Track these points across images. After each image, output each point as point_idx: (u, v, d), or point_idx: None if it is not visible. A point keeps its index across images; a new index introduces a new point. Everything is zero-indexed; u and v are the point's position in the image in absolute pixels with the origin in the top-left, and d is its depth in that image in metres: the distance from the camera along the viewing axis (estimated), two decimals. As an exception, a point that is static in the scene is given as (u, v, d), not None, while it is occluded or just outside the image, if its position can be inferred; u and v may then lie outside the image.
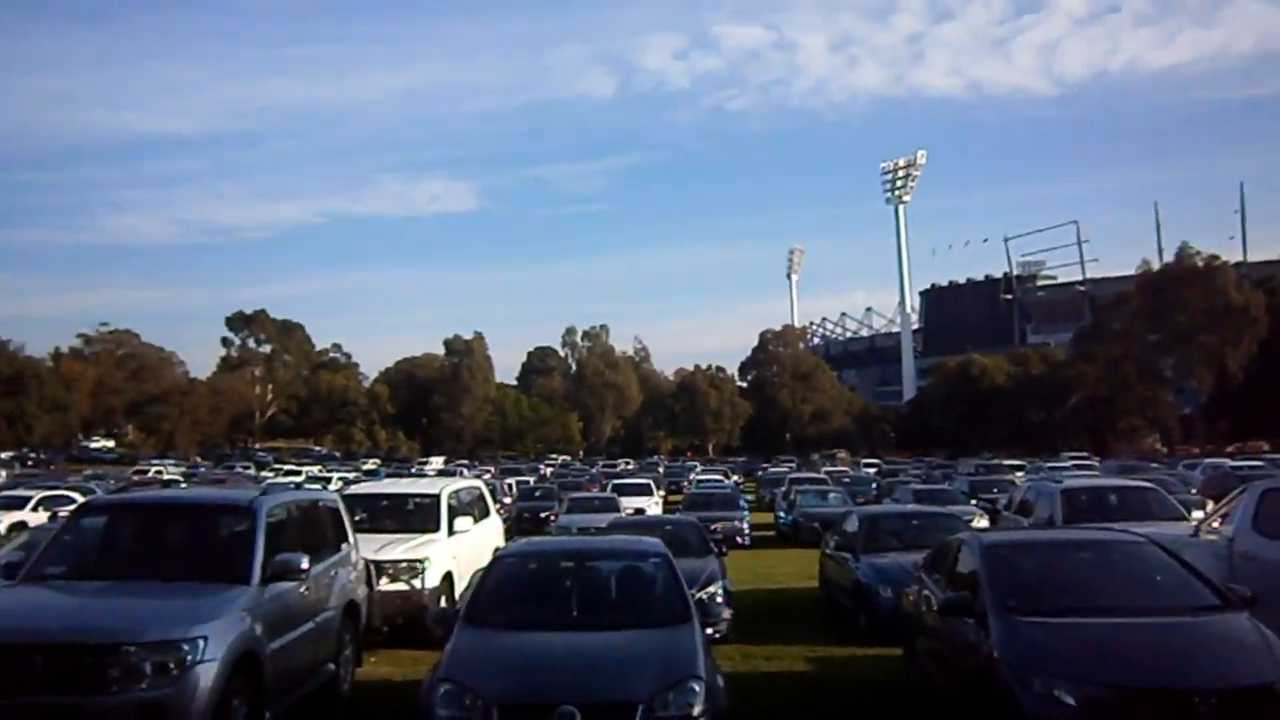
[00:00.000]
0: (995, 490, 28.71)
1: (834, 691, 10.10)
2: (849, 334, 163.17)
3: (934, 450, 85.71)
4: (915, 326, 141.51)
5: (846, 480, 42.00)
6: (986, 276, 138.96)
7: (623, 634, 7.29)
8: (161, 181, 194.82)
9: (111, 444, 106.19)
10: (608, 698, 6.25)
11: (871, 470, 56.94)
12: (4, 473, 53.35)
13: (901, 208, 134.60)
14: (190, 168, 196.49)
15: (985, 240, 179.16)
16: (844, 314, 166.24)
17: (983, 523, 20.54)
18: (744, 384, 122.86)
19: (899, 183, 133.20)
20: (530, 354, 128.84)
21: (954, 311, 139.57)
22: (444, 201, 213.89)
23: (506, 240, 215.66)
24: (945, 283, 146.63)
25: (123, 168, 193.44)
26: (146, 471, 57.47)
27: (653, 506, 30.43)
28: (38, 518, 25.28)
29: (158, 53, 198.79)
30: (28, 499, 28.42)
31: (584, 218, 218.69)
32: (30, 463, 78.91)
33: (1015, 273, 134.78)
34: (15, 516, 25.05)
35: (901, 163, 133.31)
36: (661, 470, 62.43)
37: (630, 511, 25.02)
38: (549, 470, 66.23)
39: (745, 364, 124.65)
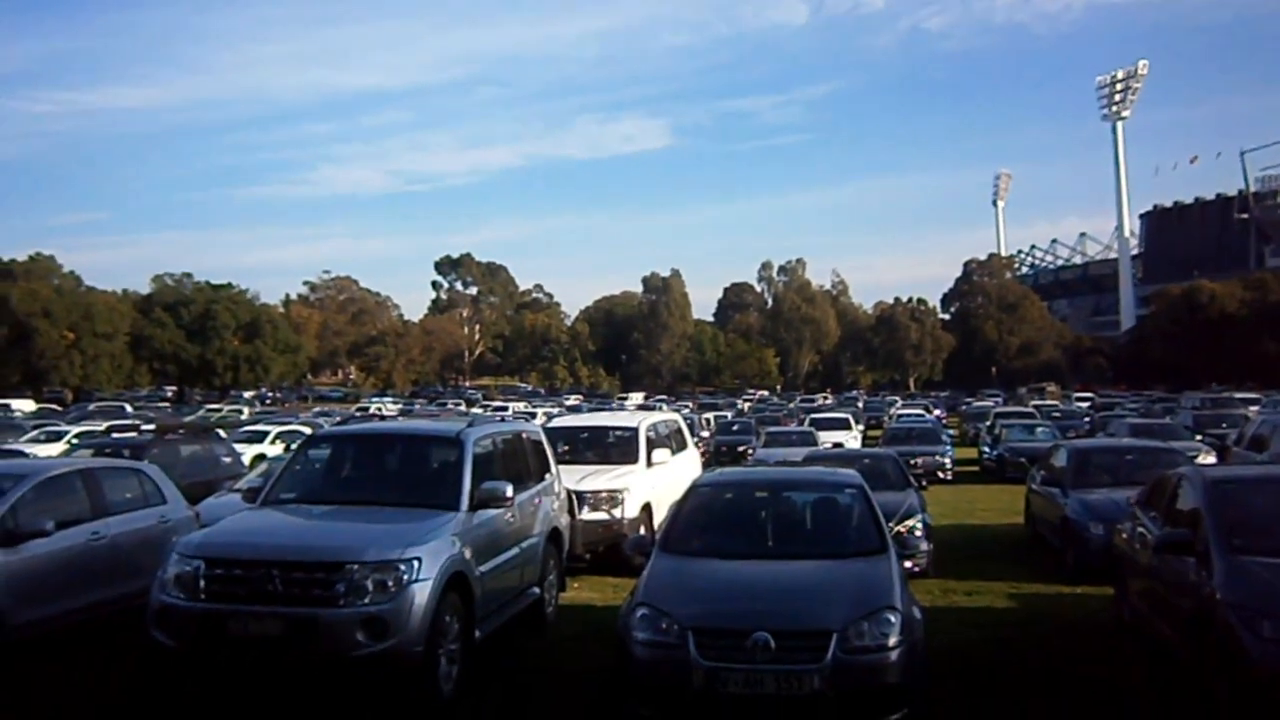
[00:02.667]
0: (1224, 425, 26.80)
1: (1038, 629, 9.75)
2: (1060, 262, 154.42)
3: (1154, 384, 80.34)
4: (1134, 252, 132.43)
5: (1056, 415, 40.14)
6: (1218, 195, 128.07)
7: (817, 563, 7.28)
8: (374, 134, 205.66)
9: (339, 383, 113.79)
10: (802, 625, 6.27)
11: (1084, 405, 54.13)
12: (246, 409, 58.13)
13: (1120, 124, 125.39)
14: (399, 119, 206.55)
15: (1218, 155, 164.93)
16: (1055, 241, 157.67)
17: (1209, 459, 19.23)
18: (946, 316, 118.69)
19: (1117, 97, 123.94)
20: (727, 290, 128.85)
21: (1178, 234, 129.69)
22: (638, 141, 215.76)
23: (701, 177, 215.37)
24: (1169, 204, 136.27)
25: (340, 123, 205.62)
26: (367, 409, 61.26)
27: (851, 441, 30.07)
28: (274, 450, 27.54)
29: (372, 13, 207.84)
30: (266, 433, 31.08)
31: (779, 150, 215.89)
32: (267, 400, 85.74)
33: (1252, 189, 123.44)
34: (256, 449, 27.35)
35: (1120, 75, 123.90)
36: (860, 405, 61.43)
37: (828, 445, 24.84)
38: (746, 405, 66.32)
39: (948, 295, 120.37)
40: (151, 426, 18.78)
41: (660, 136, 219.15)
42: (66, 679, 8.27)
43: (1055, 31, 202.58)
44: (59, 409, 58.25)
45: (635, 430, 14.55)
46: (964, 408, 57.25)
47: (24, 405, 57.25)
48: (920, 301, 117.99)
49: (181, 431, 18.67)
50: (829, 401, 68.35)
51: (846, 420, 35.23)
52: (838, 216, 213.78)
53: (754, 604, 6.54)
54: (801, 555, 7.49)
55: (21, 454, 19.82)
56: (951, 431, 38.06)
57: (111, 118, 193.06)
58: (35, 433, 30.87)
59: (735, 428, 36.13)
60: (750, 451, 28.54)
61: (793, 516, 8.35)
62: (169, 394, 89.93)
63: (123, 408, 54.38)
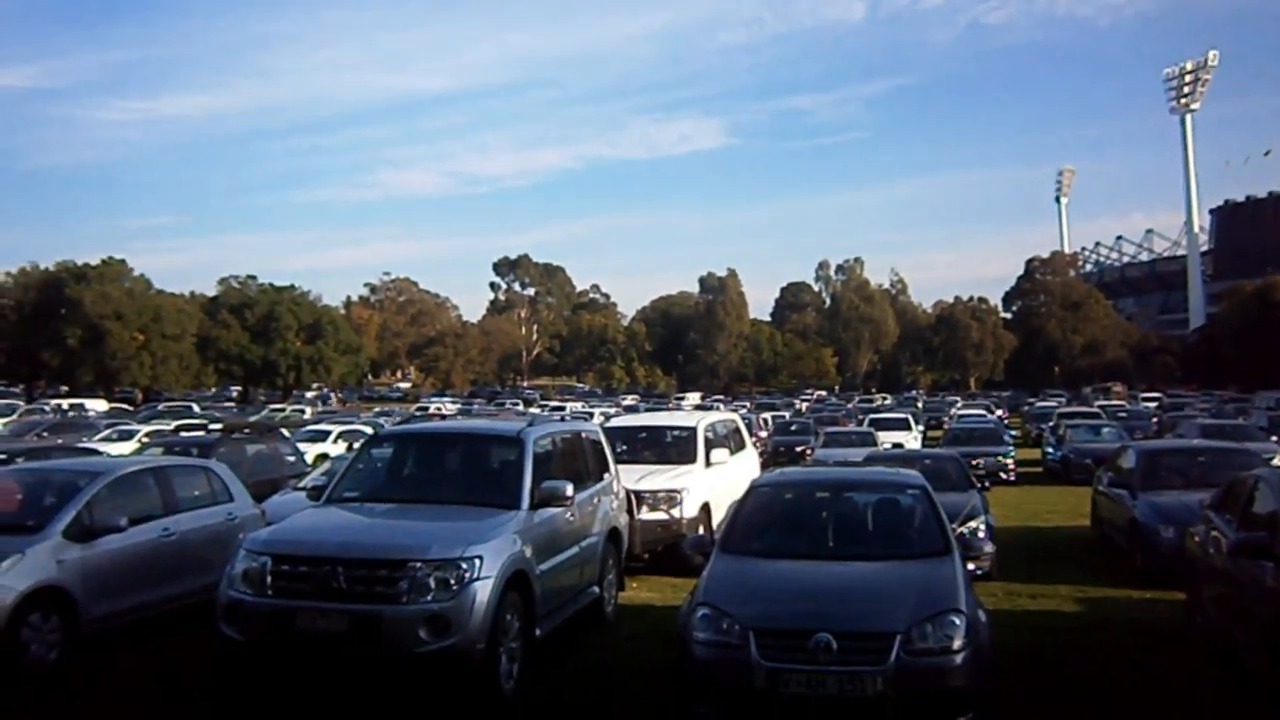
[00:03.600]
0: (1300, 426, 26.00)
1: (1106, 634, 9.55)
2: (1126, 259, 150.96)
3: (1226, 384, 78.27)
4: (1204, 248, 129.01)
5: (1122, 415, 39.30)
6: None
7: (880, 565, 7.20)
8: (432, 137, 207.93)
9: (401, 384, 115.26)
10: (864, 627, 6.20)
11: (1151, 405, 52.92)
12: (308, 410, 59.12)
13: (1189, 117, 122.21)
14: (457, 122, 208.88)
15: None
16: (1120, 238, 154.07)
17: (1285, 460, 18.67)
18: (1008, 315, 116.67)
19: (1185, 89, 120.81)
20: (784, 289, 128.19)
21: (1251, 229, 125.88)
22: (694, 140, 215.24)
23: (758, 176, 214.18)
24: (1241, 198, 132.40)
25: (399, 127, 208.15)
26: (427, 408, 61.93)
27: (911, 441, 29.74)
28: (337, 449, 27.96)
29: (431, 17, 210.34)
30: (329, 433, 31.59)
31: (837, 148, 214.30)
32: (328, 401, 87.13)
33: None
34: (319, 448, 27.81)
35: (1189, 66, 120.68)
36: (920, 405, 60.72)
37: (887, 446, 24.59)
38: (804, 405, 65.92)
39: (1009, 294, 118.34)
40: (218, 426, 19.15)
41: (716, 136, 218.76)
42: (139, 670, 8.47)
43: (1120, 23, 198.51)
44: (130, 409, 59.77)
45: (693, 430, 14.52)
46: (1026, 408, 56.33)
47: (97, 405, 58.78)
48: (981, 300, 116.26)
49: (247, 431, 19.03)
50: (887, 402, 67.63)
51: (906, 420, 34.82)
52: (896, 214, 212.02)
53: (816, 605, 6.47)
54: (863, 556, 7.40)
55: (95, 452, 20.32)
56: (1014, 432, 37.44)
57: (180, 125, 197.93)
58: (108, 431, 31.68)
59: (794, 428, 35.92)
60: (809, 452, 28.34)
61: (854, 517, 8.26)
62: (234, 394, 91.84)
63: (190, 407, 55.56)
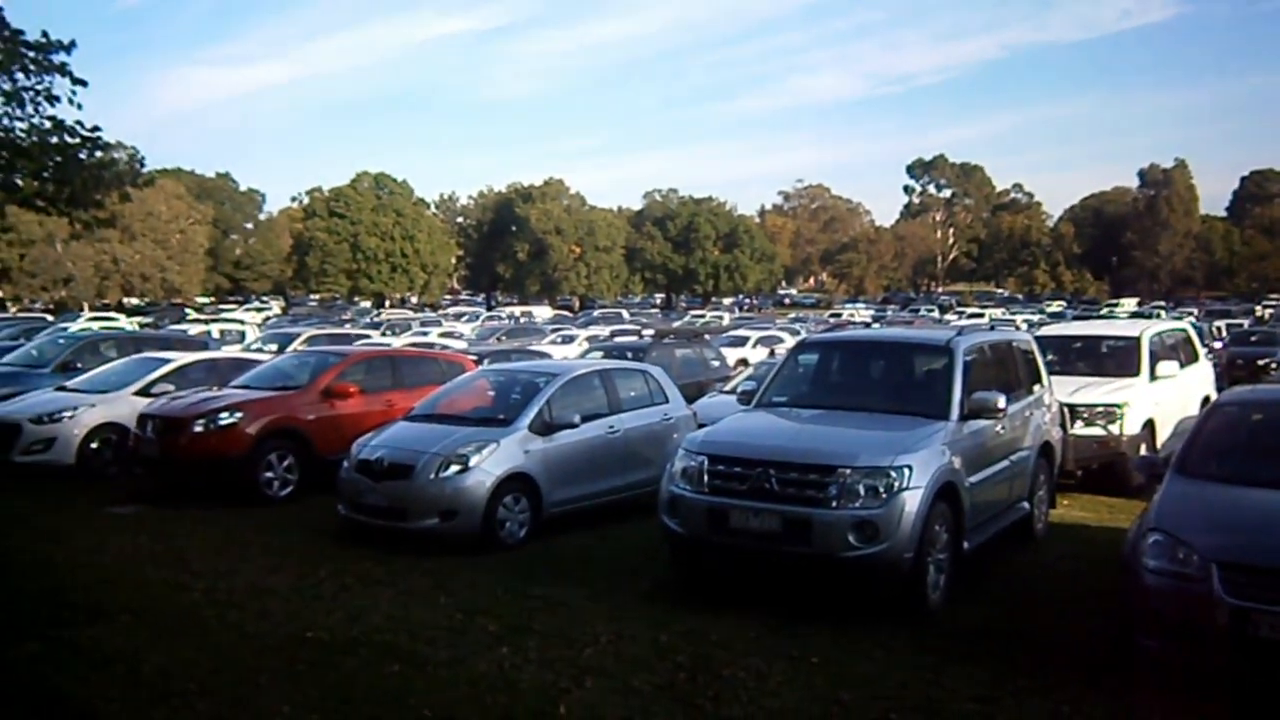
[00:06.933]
0: None
1: None
2: None
3: None
4: None
5: None
6: None
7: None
8: (845, 38, 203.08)
9: (811, 290, 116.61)
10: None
11: None
12: (726, 316, 61.64)
13: None
14: (870, 19, 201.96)
15: None
16: None
17: None
18: None
19: None
20: (1245, 179, 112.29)
21: None
22: (1137, 15, 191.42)
23: (1213, 49, 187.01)
24: None
25: (810, 31, 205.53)
26: (840, 315, 62.12)
27: None
28: (756, 354, 28.96)
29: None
30: (747, 339, 32.78)
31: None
32: (744, 307, 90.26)
33: None
34: (739, 353, 28.96)
35: None
36: None
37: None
38: (1266, 312, 58.03)
39: None
40: (650, 331, 20.51)
41: (1164, 6, 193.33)
42: (589, 550, 9.45)
43: None
44: (570, 315, 65.89)
45: (1136, 340, 13.31)
46: None
47: (542, 312, 65.60)
48: None
49: (675, 336, 20.18)
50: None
51: None
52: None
53: (1291, 541, 5.74)
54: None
55: (545, 355, 22.65)
56: None
57: (606, 51, 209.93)
58: (553, 336, 35.14)
59: (1254, 338, 31.72)
60: (1273, 366, 24.98)
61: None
62: (657, 301, 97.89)
63: (620, 314, 60.01)
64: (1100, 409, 11.92)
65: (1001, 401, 8.09)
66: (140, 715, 5.23)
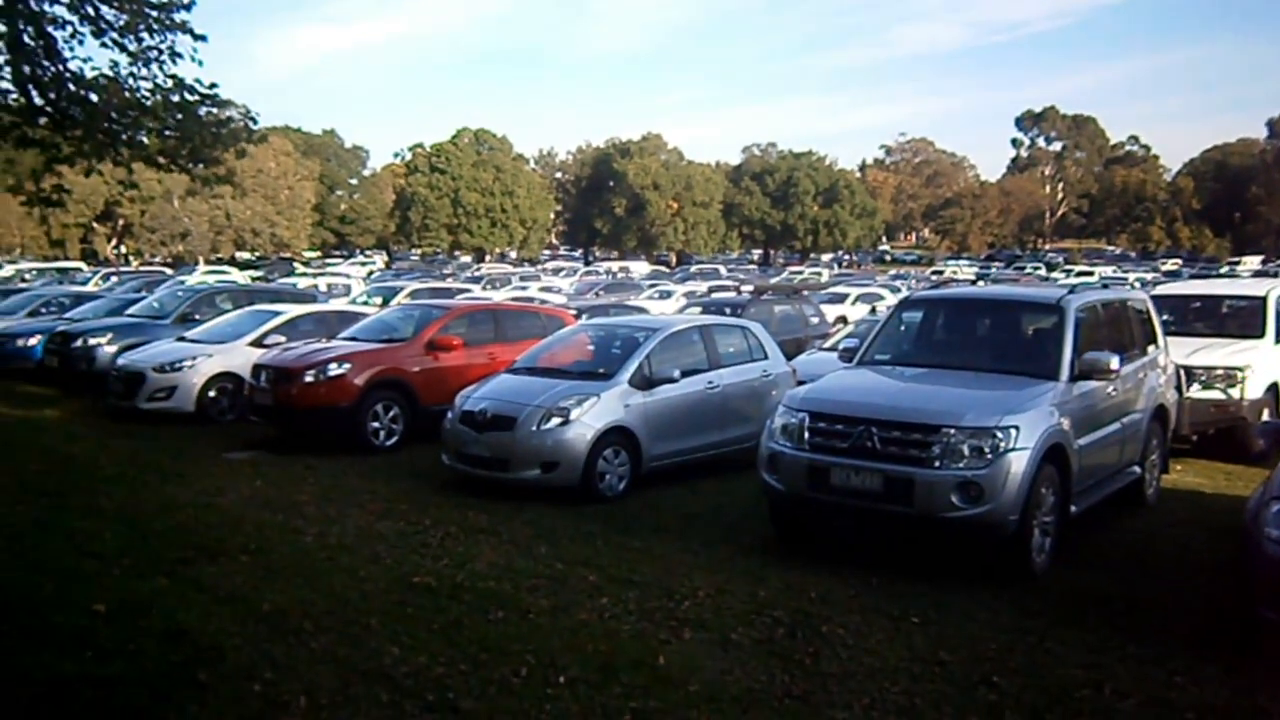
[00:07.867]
0: None
1: None
2: None
3: None
4: None
5: None
6: None
7: None
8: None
9: (913, 246, 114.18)
10: None
11: None
12: (825, 272, 60.84)
13: None
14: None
15: None
16: None
17: None
18: None
19: None
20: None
21: None
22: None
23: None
24: None
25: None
26: (942, 272, 60.75)
27: None
28: (856, 311, 28.60)
29: None
30: (846, 295, 32.40)
31: None
32: (844, 263, 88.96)
33: None
34: (838, 310, 28.64)
35: None
36: None
37: None
38: None
39: None
40: (749, 287, 20.38)
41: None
42: (687, 504, 9.52)
43: None
44: (666, 270, 65.85)
45: (1262, 300, 12.70)
46: None
47: (639, 268, 65.62)
48: None
49: (774, 292, 20.03)
50: None
51: None
52: None
53: None
54: None
55: (643, 310, 22.71)
56: None
57: (704, 2, 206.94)
58: (650, 291, 35.20)
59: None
60: None
61: None
62: (754, 257, 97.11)
63: (717, 270, 59.73)
64: (1220, 371, 11.46)
65: (1114, 362, 7.84)
66: (260, 650, 5.46)
